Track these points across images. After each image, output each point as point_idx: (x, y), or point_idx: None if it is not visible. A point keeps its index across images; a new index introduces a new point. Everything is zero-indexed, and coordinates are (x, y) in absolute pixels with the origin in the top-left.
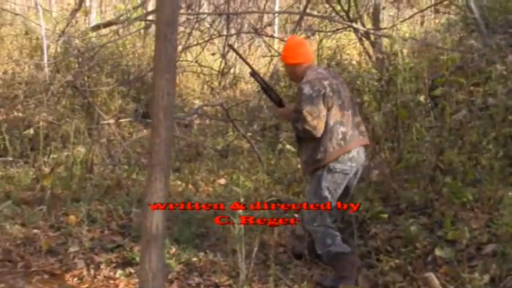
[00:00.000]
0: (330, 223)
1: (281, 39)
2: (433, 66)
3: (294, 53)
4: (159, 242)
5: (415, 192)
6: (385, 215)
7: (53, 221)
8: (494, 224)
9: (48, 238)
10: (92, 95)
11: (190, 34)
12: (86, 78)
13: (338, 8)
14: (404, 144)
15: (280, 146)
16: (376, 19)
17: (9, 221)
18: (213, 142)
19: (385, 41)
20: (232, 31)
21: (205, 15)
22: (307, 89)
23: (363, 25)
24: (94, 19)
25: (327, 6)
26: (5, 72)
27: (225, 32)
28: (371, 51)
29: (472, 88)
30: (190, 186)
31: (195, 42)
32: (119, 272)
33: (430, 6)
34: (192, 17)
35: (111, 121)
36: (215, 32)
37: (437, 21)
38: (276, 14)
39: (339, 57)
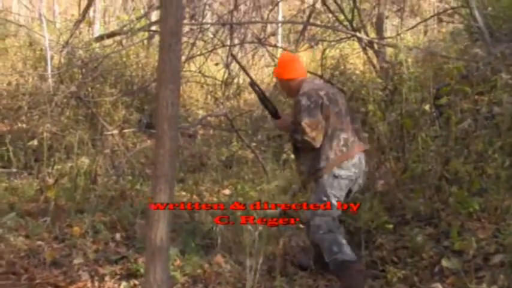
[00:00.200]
0: (336, 229)
1: (284, 49)
2: (437, 75)
3: (289, 68)
4: (164, 254)
5: (421, 202)
6: (391, 225)
7: (57, 232)
8: (502, 234)
9: (52, 250)
10: (95, 105)
11: (193, 44)
12: (89, 89)
13: (341, 17)
14: (410, 154)
15: (284, 156)
16: (379, 28)
17: (13, 233)
18: (217, 152)
19: (389, 50)
20: (236, 41)
21: (208, 26)
22: (304, 101)
23: (367, 34)
24: (98, 30)
25: (330, 15)
26: (9, 84)
27: (228, 42)
28: (375, 60)
29: (476, 97)
30: (194, 196)
31: (199, 53)
32: (124, 284)
33: (433, 16)
34: (195, 27)
35: (115, 132)
36: (218, 42)
37: (443, 30)
38: (280, 24)
39: (342, 67)
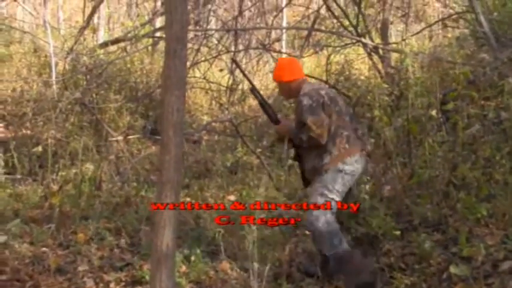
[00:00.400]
0: (335, 223)
1: (289, 55)
2: (444, 81)
3: (289, 71)
4: (170, 261)
5: (428, 208)
6: (398, 232)
7: (62, 239)
8: (510, 240)
9: (56, 257)
10: (100, 111)
11: (198, 50)
12: (94, 95)
13: (346, 23)
14: (417, 160)
15: (290, 161)
16: (384, 34)
17: (18, 240)
18: (222, 158)
19: (394, 56)
20: (240, 47)
21: (213, 32)
22: (306, 100)
23: (372, 40)
24: (102, 36)
25: (335, 21)
26: (13, 90)
27: (233, 48)
28: (380, 66)
29: (483, 102)
30: (199, 202)
31: (203, 59)
32: None
33: (438, 21)
34: (200, 33)
35: (120, 138)
36: (223, 48)
37: (449, 35)
38: (284, 30)
39: (347, 73)
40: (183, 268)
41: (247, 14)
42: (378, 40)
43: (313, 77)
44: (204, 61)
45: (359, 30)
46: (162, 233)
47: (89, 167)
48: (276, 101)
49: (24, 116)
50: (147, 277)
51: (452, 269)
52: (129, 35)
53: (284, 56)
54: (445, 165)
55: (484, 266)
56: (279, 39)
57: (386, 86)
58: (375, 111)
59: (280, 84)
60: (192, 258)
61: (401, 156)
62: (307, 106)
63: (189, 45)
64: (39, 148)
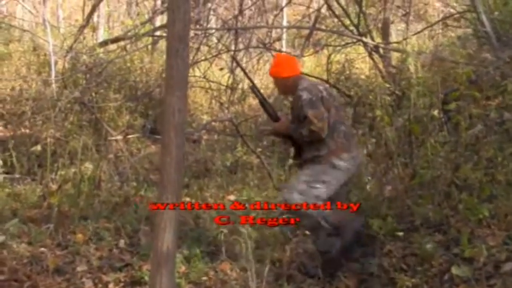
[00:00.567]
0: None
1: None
2: (445, 81)
3: (286, 67)
4: (170, 263)
5: (430, 209)
6: (400, 232)
7: (60, 239)
8: None
9: (55, 257)
10: (99, 111)
11: (198, 49)
12: (93, 94)
13: (347, 22)
14: (418, 160)
15: (290, 161)
16: (385, 33)
17: (16, 240)
18: (222, 158)
19: (395, 55)
20: (241, 46)
21: (213, 31)
22: (306, 95)
23: (373, 39)
24: (102, 35)
25: (336, 20)
26: (12, 89)
27: (233, 47)
28: (381, 65)
29: (485, 102)
30: (199, 202)
31: (203, 58)
32: None
33: (439, 21)
34: (200, 32)
35: (119, 137)
36: (223, 47)
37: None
38: (285, 29)
39: (348, 72)
40: (183, 268)
41: (247, 12)
42: (378, 39)
43: (313, 77)
44: (204, 60)
45: (360, 30)
46: (162, 235)
47: (88, 166)
48: (276, 100)
49: (23, 115)
50: (146, 278)
51: (454, 270)
52: (129, 33)
53: None
54: (447, 165)
55: (486, 267)
56: (279, 39)
57: (387, 85)
58: (376, 111)
59: (278, 80)
60: (192, 258)
61: (403, 156)
62: (307, 100)
63: (189, 44)
64: (38, 147)
